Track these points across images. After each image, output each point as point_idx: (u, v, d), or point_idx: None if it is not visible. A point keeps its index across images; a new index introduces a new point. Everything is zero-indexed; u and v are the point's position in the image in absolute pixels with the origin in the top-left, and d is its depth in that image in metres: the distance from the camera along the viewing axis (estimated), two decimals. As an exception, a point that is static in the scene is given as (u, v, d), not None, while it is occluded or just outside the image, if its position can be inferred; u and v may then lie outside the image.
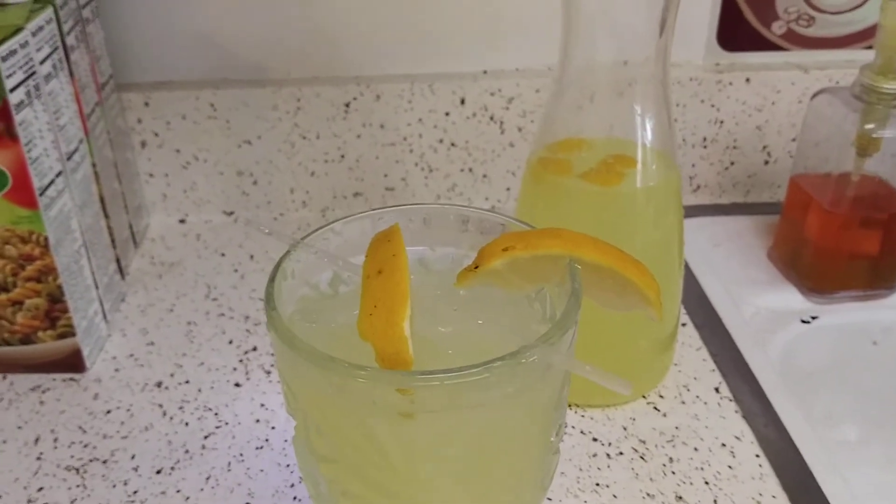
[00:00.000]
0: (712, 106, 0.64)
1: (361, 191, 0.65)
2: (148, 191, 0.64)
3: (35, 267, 0.46)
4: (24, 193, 0.43)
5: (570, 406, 0.47)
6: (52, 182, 0.45)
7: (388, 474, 0.24)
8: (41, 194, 0.44)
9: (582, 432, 0.45)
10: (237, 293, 0.57)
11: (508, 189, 0.66)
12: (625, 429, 0.45)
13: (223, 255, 0.61)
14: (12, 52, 0.42)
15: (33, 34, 0.44)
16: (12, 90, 0.41)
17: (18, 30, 0.43)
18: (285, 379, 0.28)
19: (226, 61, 0.60)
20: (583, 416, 0.46)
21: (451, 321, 0.25)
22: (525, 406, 0.25)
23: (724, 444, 0.44)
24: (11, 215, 0.44)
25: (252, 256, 0.61)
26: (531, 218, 0.46)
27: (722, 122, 0.65)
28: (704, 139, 0.65)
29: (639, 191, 0.43)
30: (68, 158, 0.48)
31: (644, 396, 0.48)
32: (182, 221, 0.65)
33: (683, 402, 0.47)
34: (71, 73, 0.49)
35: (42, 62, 0.45)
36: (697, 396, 0.48)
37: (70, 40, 0.50)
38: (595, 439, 0.45)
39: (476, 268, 0.25)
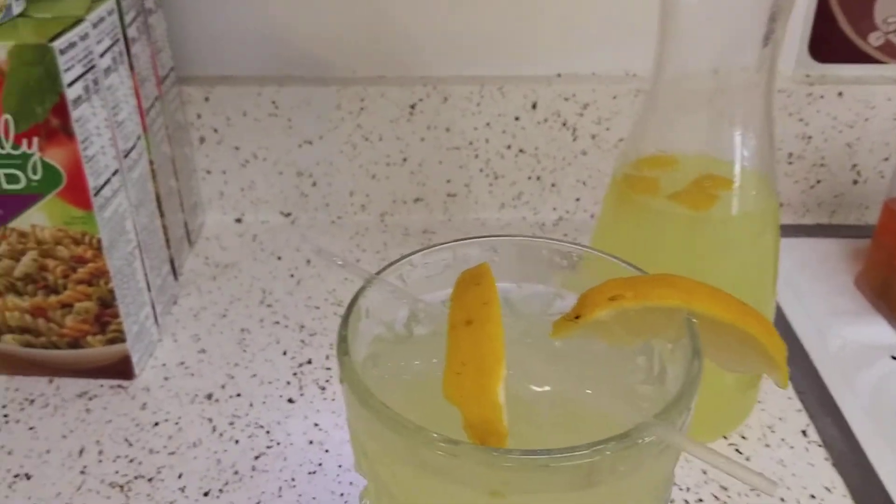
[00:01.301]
0: (800, 120, 0.60)
1: (422, 196, 0.63)
2: (204, 188, 0.62)
3: (87, 270, 0.44)
4: (78, 193, 0.41)
5: (644, 443, 0.43)
6: (107, 181, 0.43)
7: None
8: (96, 194, 0.42)
9: (657, 473, 0.42)
10: (293, 300, 0.55)
11: (578, 199, 0.62)
12: (704, 472, 0.42)
13: (279, 258, 0.59)
14: (71, 45, 0.39)
15: (94, 25, 0.42)
16: (70, 85, 0.39)
17: (78, 21, 0.41)
18: (356, 435, 0.24)
19: (290, 57, 0.58)
20: (658, 454, 0.43)
21: (545, 379, 0.22)
22: (634, 486, 0.21)
23: (813, 496, 0.41)
24: (65, 215, 0.42)
25: (309, 262, 0.58)
26: (612, 240, 0.42)
27: (810, 137, 0.60)
28: (790, 154, 0.61)
29: (733, 217, 0.39)
30: (125, 156, 0.46)
31: (725, 437, 0.44)
32: (238, 221, 0.63)
33: (768, 446, 0.44)
34: (131, 67, 0.47)
35: (102, 55, 0.43)
36: (783, 439, 0.44)
37: (131, 32, 0.48)
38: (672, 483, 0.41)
39: (577, 318, 0.22)
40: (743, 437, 0.44)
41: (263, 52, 0.58)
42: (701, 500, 0.40)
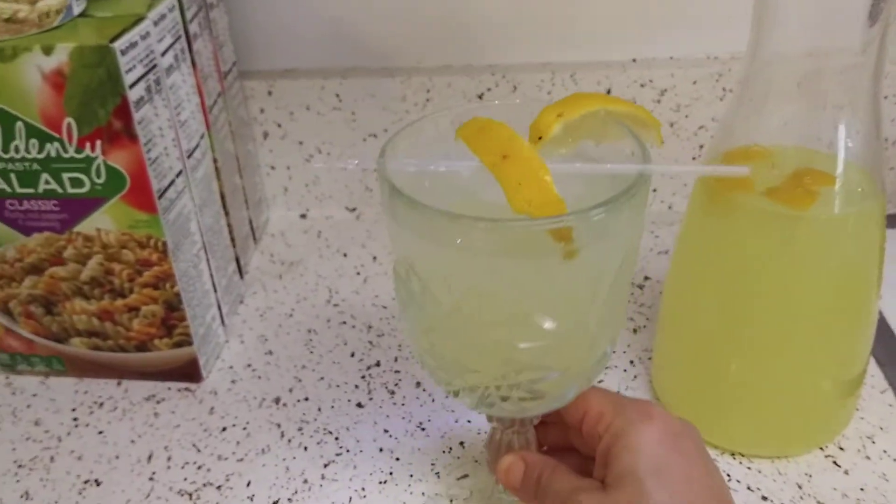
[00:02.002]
0: (898, 102, 0.55)
1: (492, 188, 0.60)
2: (268, 184, 0.61)
3: (152, 273, 0.43)
4: (142, 196, 0.40)
5: (733, 455, 0.41)
6: (171, 183, 0.42)
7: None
8: (160, 197, 0.41)
9: (749, 488, 0.39)
10: (359, 299, 0.53)
11: (655, 191, 0.59)
12: (800, 487, 0.39)
13: (345, 255, 0.57)
14: (132, 45, 0.38)
15: (155, 23, 0.41)
16: (132, 86, 0.38)
17: (140, 19, 0.39)
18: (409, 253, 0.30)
19: (353, 49, 0.56)
20: (749, 468, 0.40)
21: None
22: (634, 237, 0.30)
23: (921, 514, 0.37)
24: (129, 219, 0.41)
25: (375, 258, 0.57)
26: (700, 241, 0.39)
27: (908, 120, 0.56)
28: (886, 140, 0.57)
29: (835, 217, 0.36)
30: (189, 156, 0.45)
31: (822, 448, 0.41)
32: (303, 217, 0.62)
33: (868, 458, 0.40)
34: (193, 64, 0.46)
35: (163, 53, 0.42)
36: (885, 451, 0.41)
37: (193, 28, 0.46)
38: (765, 498, 0.39)
39: (539, 138, 0.28)
40: (841, 449, 0.41)
41: (326, 43, 0.56)
42: (797, 519, 0.38)
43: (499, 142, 0.27)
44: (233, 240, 0.52)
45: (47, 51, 0.37)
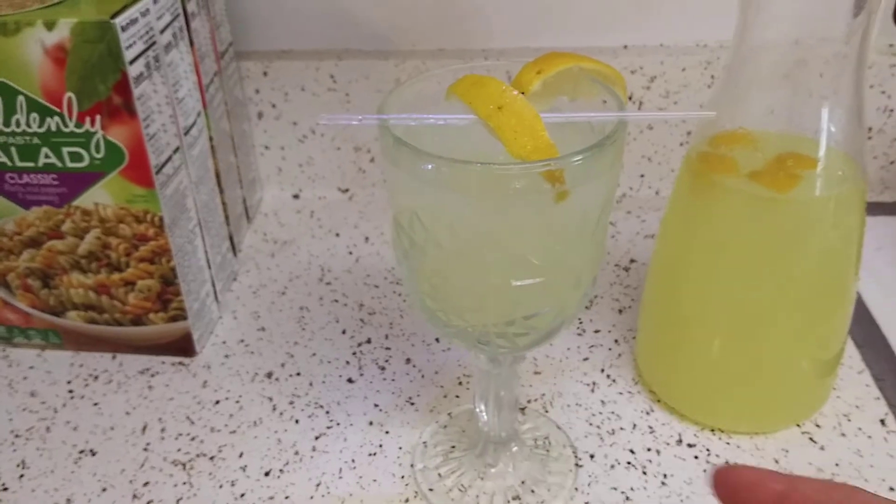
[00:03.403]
0: (882, 92, 0.57)
1: (482, 171, 0.61)
2: (262, 164, 0.62)
3: (149, 248, 0.44)
4: (140, 171, 0.41)
5: (713, 431, 0.42)
6: (168, 159, 0.43)
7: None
8: (157, 172, 0.42)
9: (728, 462, 0.40)
10: (351, 277, 0.54)
11: (642, 176, 0.60)
12: (776, 462, 0.40)
13: (337, 234, 0.58)
14: (132, 21, 0.39)
15: (154, 1, 0.41)
16: (132, 62, 0.39)
17: (139, -3, 0.40)
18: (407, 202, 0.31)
19: (348, 31, 0.57)
20: (728, 443, 0.41)
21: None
22: (613, 179, 0.32)
23: (892, 489, 0.39)
24: (127, 194, 0.42)
25: (367, 238, 0.58)
26: (685, 221, 0.41)
27: (892, 110, 0.57)
28: (870, 129, 0.58)
29: (817, 200, 0.37)
30: (185, 133, 0.45)
31: (798, 425, 0.42)
32: (296, 197, 0.63)
33: (844, 435, 0.42)
34: (191, 42, 0.47)
35: (162, 31, 0.42)
36: (860, 429, 0.42)
37: (191, 7, 0.47)
38: (743, 472, 0.40)
39: (522, 93, 0.29)
40: (817, 426, 0.42)
41: (322, 25, 0.57)
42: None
43: (492, 94, 0.29)
44: (227, 218, 0.53)
45: (49, 26, 0.38)
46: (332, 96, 0.58)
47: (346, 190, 0.63)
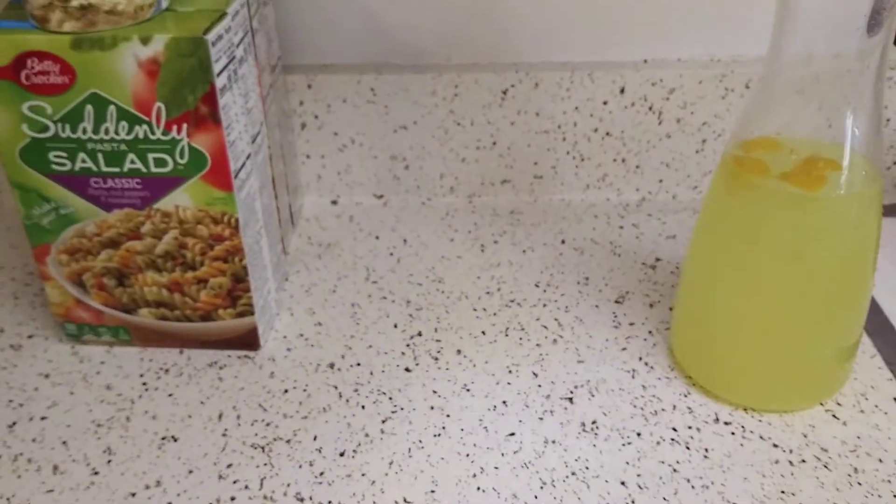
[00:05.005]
0: (880, 103, 0.62)
1: (510, 178, 0.65)
2: (304, 172, 0.65)
3: (223, 247, 0.47)
4: (221, 176, 0.44)
5: (746, 410, 0.46)
6: (242, 165, 0.46)
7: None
8: (235, 177, 0.45)
9: (761, 437, 0.44)
10: (396, 276, 0.58)
11: (661, 181, 0.65)
12: (805, 436, 0.45)
13: (377, 237, 0.62)
14: (219, 38, 0.42)
15: (232, 18, 0.45)
16: (218, 74, 0.42)
17: (223, 15, 0.43)
18: None
19: (388, 46, 0.61)
20: (760, 420, 0.45)
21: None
22: None
23: (910, 458, 0.43)
24: (207, 197, 0.45)
25: (405, 241, 0.61)
26: (722, 216, 0.45)
27: (888, 119, 0.62)
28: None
29: (842, 198, 0.41)
30: (252, 141, 0.49)
31: (822, 404, 0.47)
32: (334, 203, 0.66)
33: (862, 412, 0.46)
34: (255, 57, 0.50)
35: (238, 45, 0.46)
36: (876, 406, 0.46)
37: (255, 23, 0.50)
38: (775, 445, 0.44)
39: None
40: (838, 404, 0.47)
41: (363, 41, 0.61)
42: (804, 461, 0.43)
43: None
44: (279, 222, 0.56)
45: (145, 41, 0.41)
46: (371, 108, 0.62)
47: (381, 196, 0.66)
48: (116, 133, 0.44)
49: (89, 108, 0.43)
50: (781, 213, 0.42)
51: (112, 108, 0.43)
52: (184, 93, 0.42)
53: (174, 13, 0.44)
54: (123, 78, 0.42)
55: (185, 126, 0.43)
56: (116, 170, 0.45)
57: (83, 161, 0.45)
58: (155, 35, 0.41)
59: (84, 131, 0.44)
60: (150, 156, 0.44)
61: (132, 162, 0.44)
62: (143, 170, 0.45)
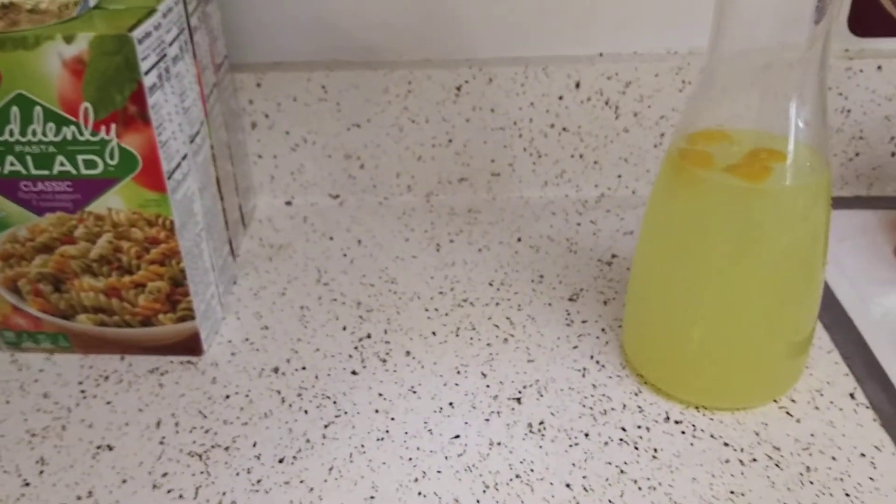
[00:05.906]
0: (840, 94, 0.61)
1: (467, 176, 0.64)
2: (256, 172, 0.64)
3: (159, 250, 0.46)
4: (153, 177, 0.43)
5: (697, 408, 0.45)
6: (178, 165, 0.45)
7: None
8: (169, 177, 0.44)
9: (712, 436, 0.43)
10: (347, 278, 0.56)
11: (620, 177, 0.64)
12: (757, 434, 0.44)
13: (331, 238, 0.61)
14: (147, 35, 0.41)
15: (164, 15, 0.44)
16: (146, 73, 0.41)
17: (152, 11, 0.42)
18: None
19: (339, 43, 0.60)
20: (711, 419, 0.44)
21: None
22: None
23: (863, 454, 0.42)
24: (139, 199, 0.44)
25: (360, 241, 0.60)
26: (668, 211, 0.44)
27: (849, 111, 0.61)
28: (831, 127, 0.62)
29: (788, 189, 0.40)
30: (191, 141, 0.48)
31: (775, 401, 0.46)
32: (288, 203, 0.65)
33: (817, 408, 0.45)
34: (194, 55, 0.49)
35: (171, 44, 0.44)
36: (832, 402, 0.46)
37: (193, 21, 0.49)
38: (726, 444, 0.43)
39: None
40: (793, 401, 0.46)
41: (313, 38, 0.60)
42: (755, 460, 0.42)
43: None
44: (226, 223, 0.55)
45: (69, 39, 0.40)
46: (323, 106, 0.61)
47: (337, 196, 0.65)
48: (44, 135, 0.42)
49: (15, 109, 0.42)
50: (727, 205, 0.41)
51: (38, 109, 0.42)
52: (111, 92, 0.41)
53: (103, 11, 0.43)
54: (48, 78, 0.41)
55: (113, 126, 0.42)
56: (46, 172, 0.44)
57: (11, 164, 0.43)
58: (79, 33, 0.40)
59: (11, 133, 0.42)
60: (80, 157, 0.43)
61: (62, 164, 0.43)
62: (74, 172, 0.43)
